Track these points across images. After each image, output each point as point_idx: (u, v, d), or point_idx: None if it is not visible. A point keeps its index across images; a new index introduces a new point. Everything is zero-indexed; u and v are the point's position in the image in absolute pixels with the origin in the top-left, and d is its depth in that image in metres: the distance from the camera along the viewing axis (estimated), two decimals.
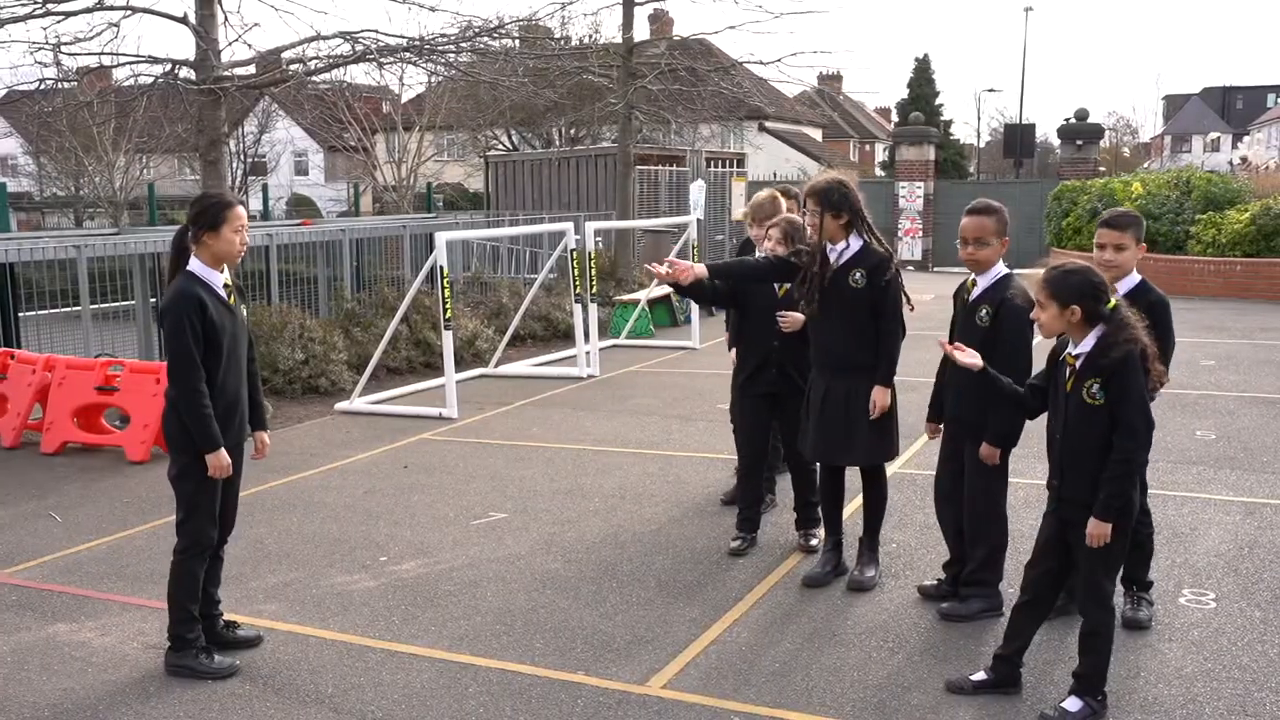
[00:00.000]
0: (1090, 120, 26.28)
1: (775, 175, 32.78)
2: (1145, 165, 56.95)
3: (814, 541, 5.95)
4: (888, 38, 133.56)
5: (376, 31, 10.23)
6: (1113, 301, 4.02)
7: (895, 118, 54.44)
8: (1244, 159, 31.04)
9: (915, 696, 4.34)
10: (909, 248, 27.41)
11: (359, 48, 10.08)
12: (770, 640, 4.88)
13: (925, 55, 62.40)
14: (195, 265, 4.56)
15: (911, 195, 27.30)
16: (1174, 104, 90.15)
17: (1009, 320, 4.80)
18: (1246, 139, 76.95)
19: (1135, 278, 4.79)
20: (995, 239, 4.89)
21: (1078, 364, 4.07)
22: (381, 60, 10.63)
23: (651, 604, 5.32)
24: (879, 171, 53.59)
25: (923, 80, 52.07)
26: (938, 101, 51.81)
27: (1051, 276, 4.07)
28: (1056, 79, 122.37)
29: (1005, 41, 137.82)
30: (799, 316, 5.56)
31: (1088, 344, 4.04)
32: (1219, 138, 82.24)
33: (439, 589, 5.56)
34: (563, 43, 22.63)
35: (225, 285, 4.62)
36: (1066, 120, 26.56)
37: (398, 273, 14.47)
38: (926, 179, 27.40)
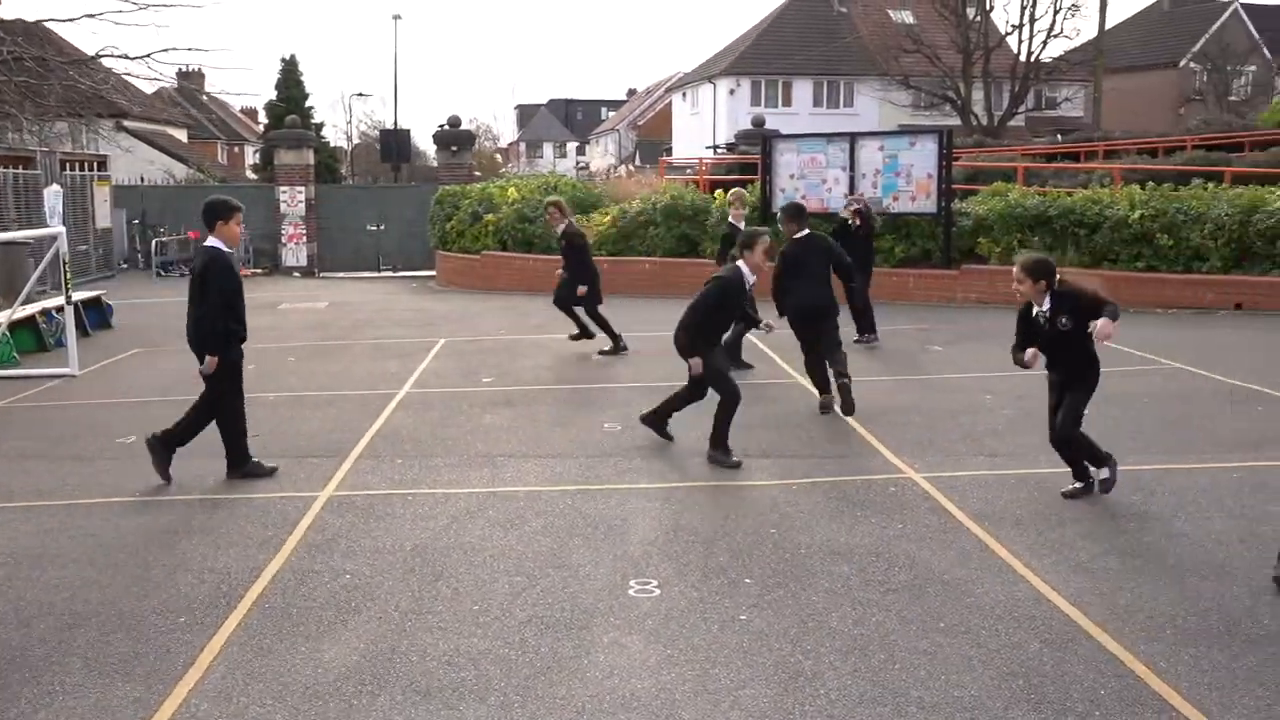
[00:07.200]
0: (461, 127, 27.43)
1: (142, 179, 30.49)
2: (506, 168, 60.80)
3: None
4: (251, 37, 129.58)
5: None
6: None
7: (264, 119, 52.83)
8: (587, 165, 34.36)
9: None
10: (294, 254, 26.83)
11: None
12: (238, 707, 4.37)
13: (293, 56, 61.22)
14: None
15: (294, 200, 26.69)
16: (526, 113, 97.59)
17: None
18: (588, 147, 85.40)
19: None
20: None
21: None
22: None
23: (81, 690, 4.53)
24: (251, 175, 51.87)
25: (291, 82, 50.98)
26: (308, 104, 51.06)
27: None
28: (426, 86, 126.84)
29: (375, 47, 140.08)
30: None
31: None
32: (567, 145, 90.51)
33: None
34: None
35: None
36: (441, 127, 27.54)
37: None
38: (307, 183, 26.95)
